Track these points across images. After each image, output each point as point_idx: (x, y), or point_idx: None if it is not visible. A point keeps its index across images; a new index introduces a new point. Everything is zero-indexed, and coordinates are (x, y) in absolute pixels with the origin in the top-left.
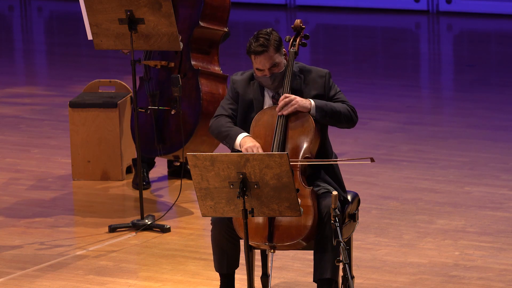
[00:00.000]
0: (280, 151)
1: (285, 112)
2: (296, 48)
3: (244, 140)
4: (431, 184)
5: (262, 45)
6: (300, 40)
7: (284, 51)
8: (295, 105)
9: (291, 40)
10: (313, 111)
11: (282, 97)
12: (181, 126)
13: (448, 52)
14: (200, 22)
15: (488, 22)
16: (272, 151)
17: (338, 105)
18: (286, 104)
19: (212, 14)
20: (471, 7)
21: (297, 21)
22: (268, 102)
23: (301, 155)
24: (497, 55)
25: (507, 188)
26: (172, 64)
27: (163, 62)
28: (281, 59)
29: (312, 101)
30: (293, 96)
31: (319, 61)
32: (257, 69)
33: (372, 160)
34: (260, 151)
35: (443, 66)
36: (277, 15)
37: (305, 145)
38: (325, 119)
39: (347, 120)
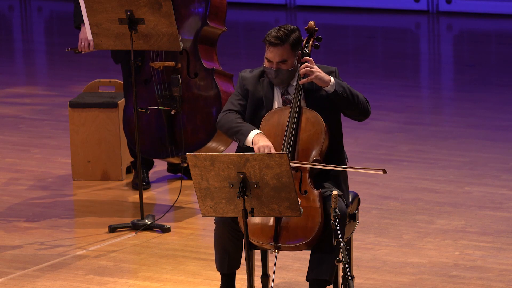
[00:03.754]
0: (290, 153)
1: (302, 82)
2: (309, 50)
3: (257, 138)
4: (431, 184)
5: (280, 38)
6: (313, 42)
7: (299, 53)
8: (313, 76)
9: (304, 41)
10: (331, 86)
11: (303, 65)
12: (180, 126)
13: (448, 52)
14: (208, 22)
15: (488, 22)
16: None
17: (354, 90)
18: (307, 73)
19: (215, 14)
20: (471, 7)
21: (311, 23)
22: (277, 100)
23: (311, 157)
24: (497, 55)
25: (507, 188)
26: (180, 65)
27: (172, 63)
28: (292, 59)
29: (331, 77)
30: (315, 68)
31: (319, 61)
32: (266, 58)
33: (384, 171)
34: (273, 150)
35: (443, 66)
36: (277, 15)
37: (315, 148)
38: (344, 97)
39: (363, 105)
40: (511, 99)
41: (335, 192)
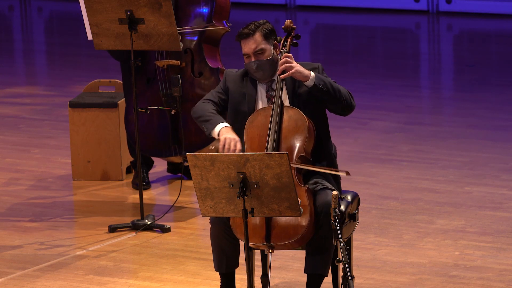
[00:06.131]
0: (275, 151)
1: (282, 77)
2: (287, 48)
3: (225, 130)
4: (431, 184)
5: (249, 29)
6: (291, 40)
7: (276, 43)
8: (292, 70)
9: (282, 40)
10: (311, 80)
11: (282, 60)
12: (180, 125)
13: (448, 52)
14: (213, 21)
15: (488, 22)
16: (266, 152)
17: (337, 84)
18: (286, 69)
19: (220, 13)
20: (471, 7)
21: (288, 21)
22: (262, 97)
23: (295, 154)
24: (497, 55)
25: (507, 188)
26: (184, 64)
27: (176, 62)
28: (268, 47)
29: (311, 71)
30: (294, 63)
31: (319, 61)
32: (244, 54)
33: (347, 173)
34: (238, 145)
35: (443, 66)
36: (277, 15)
37: (299, 144)
38: (324, 91)
39: (346, 99)
40: (511, 99)
41: (335, 192)
